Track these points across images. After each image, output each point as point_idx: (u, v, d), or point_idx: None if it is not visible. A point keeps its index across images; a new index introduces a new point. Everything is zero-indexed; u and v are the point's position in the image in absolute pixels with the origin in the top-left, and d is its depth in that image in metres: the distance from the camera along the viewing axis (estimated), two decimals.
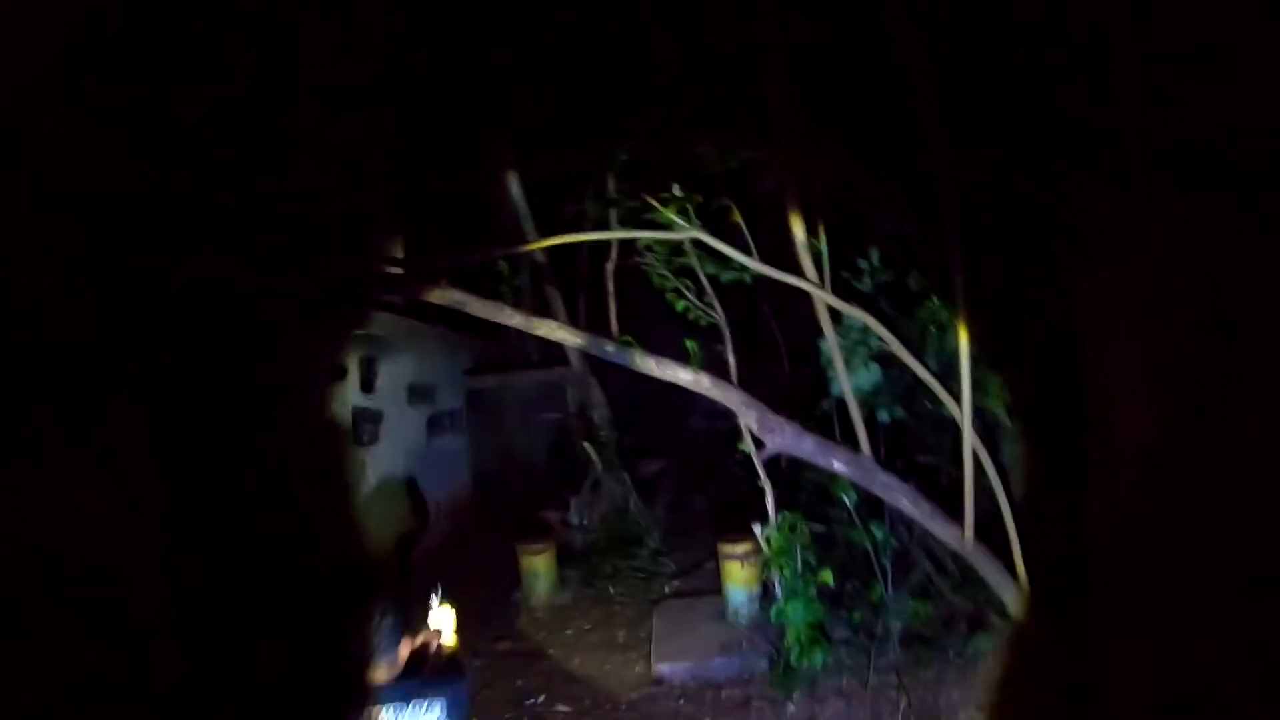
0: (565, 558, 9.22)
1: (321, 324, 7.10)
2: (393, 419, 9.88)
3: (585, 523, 10.27)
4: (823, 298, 5.48)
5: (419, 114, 6.73)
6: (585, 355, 10.50)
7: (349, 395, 8.84)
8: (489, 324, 5.98)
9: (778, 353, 10.61)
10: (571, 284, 10.58)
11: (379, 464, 9.43)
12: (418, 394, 10.95)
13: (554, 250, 10.41)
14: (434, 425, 11.51)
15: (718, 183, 6.23)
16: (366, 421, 9.19)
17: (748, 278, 6.31)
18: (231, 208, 4.97)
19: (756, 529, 6.77)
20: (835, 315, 5.71)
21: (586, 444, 10.26)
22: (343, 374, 8.68)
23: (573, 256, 10.41)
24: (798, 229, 5.34)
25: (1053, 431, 5.09)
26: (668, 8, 6.35)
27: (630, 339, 5.75)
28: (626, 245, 6.70)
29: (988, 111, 4.67)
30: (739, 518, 10.07)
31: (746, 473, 12.24)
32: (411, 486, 10.04)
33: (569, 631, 7.87)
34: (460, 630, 4.12)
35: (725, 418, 16.20)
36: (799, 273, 5.48)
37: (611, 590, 8.82)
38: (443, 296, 5.49)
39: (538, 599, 8.58)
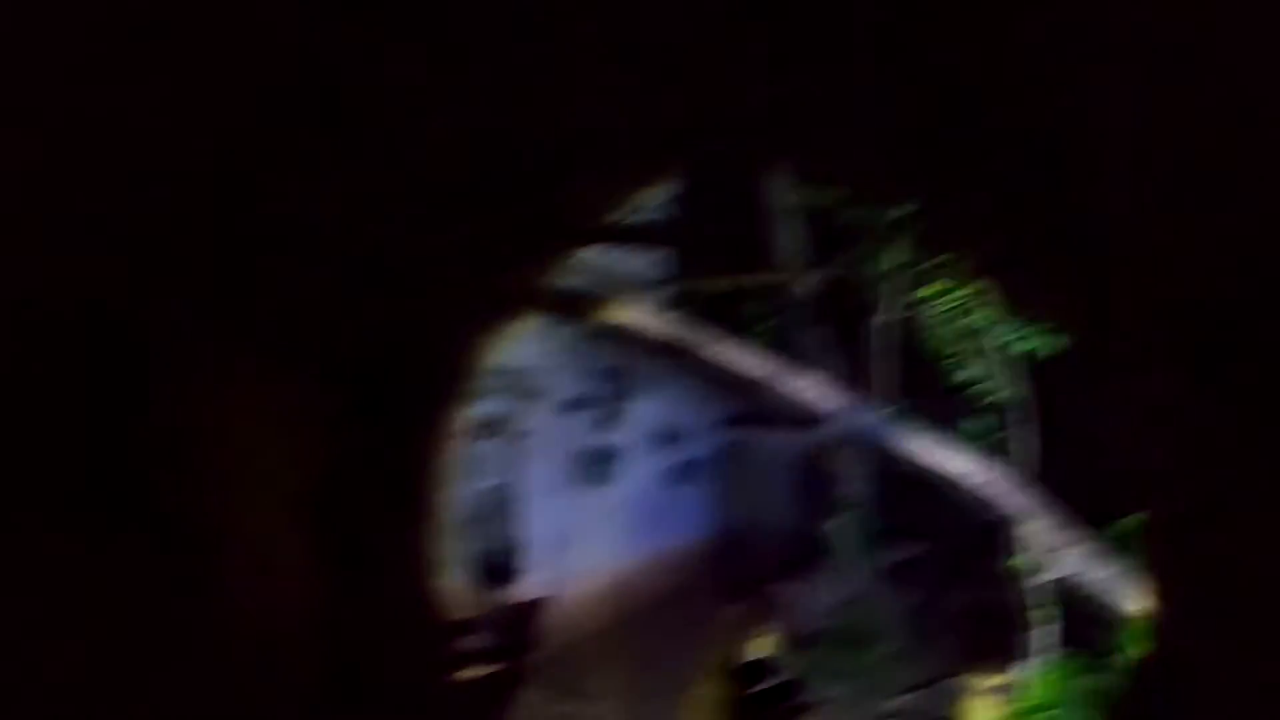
0: (787, 643, 8.16)
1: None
2: (629, 461, 9.31)
3: (820, 607, 9.16)
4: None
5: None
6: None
7: (584, 430, 8.35)
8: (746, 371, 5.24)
9: (1072, 444, 8.95)
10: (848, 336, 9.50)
11: (607, 509, 8.88)
12: (662, 438, 10.34)
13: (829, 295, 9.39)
14: (675, 473, 10.84)
15: None
16: (599, 461, 8.66)
17: (1044, 348, 5.16)
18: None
19: (1020, 669, 5.44)
20: None
21: (838, 522, 9.14)
22: (580, 406, 8.22)
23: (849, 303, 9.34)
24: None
25: None
26: None
27: (903, 409, 4.76)
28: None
29: None
30: (995, 637, 8.64)
31: (1013, 579, 10.69)
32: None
33: None
34: None
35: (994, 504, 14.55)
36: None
37: (832, 692, 7.67)
38: (670, 332, 4.77)
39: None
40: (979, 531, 14.13)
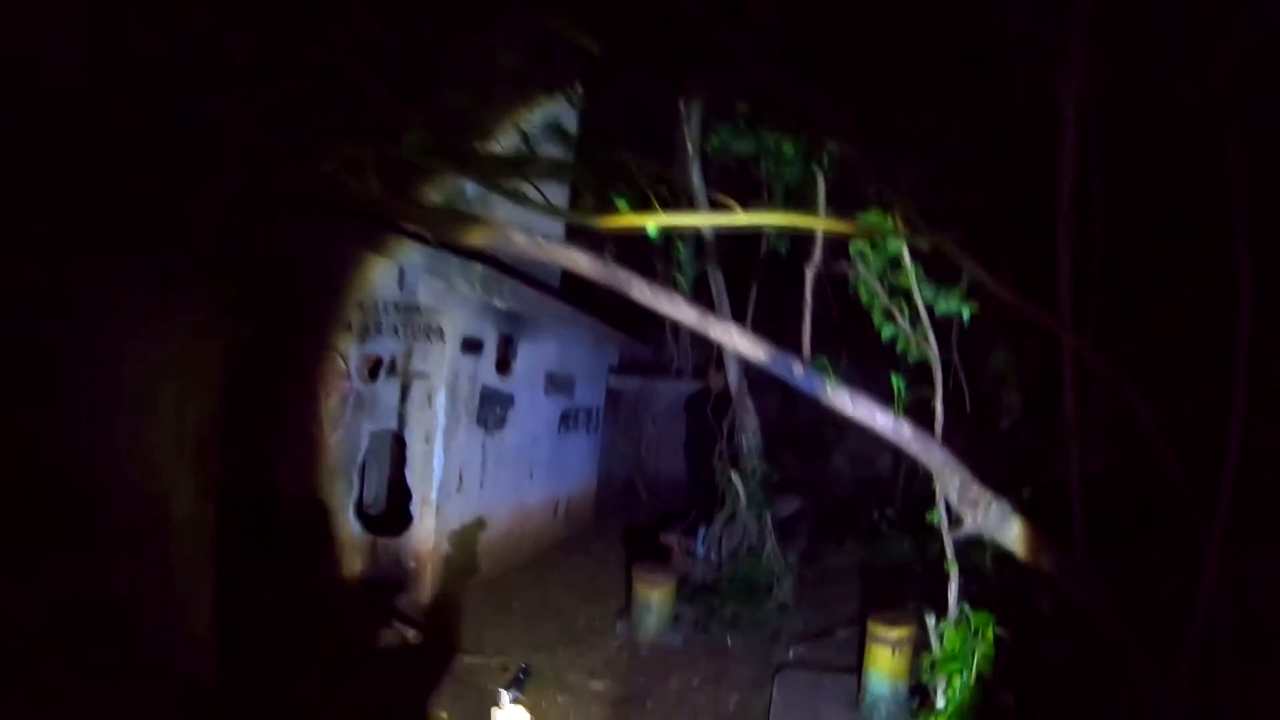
0: (682, 591, 8.14)
1: None
2: (524, 406, 9.08)
3: (712, 557, 9.18)
4: (1077, 349, 4.27)
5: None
6: (744, 373, 9.41)
7: (481, 374, 8.07)
8: (641, 320, 5.09)
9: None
10: (741, 289, 9.40)
11: (502, 452, 8.65)
12: (556, 384, 10.14)
13: (726, 248, 9.27)
14: (567, 420, 10.67)
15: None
16: (495, 404, 8.41)
17: (966, 311, 5.18)
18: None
19: (930, 620, 5.49)
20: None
21: (732, 472, 9.12)
22: (477, 348, 7.92)
23: (745, 255, 9.24)
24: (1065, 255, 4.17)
25: None
26: None
27: (826, 363, 4.67)
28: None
29: None
30: (883, 587, 8.85)
31: (890, 529, 11.00)
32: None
33: (673, 683, 6.80)
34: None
35: (871, 462, 15.03)
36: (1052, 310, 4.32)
37: (729, 641, 7.69)
38: (601, 271, 4.53)
39: (645, 634, 7.53)
40: (851, 481, 14.59)
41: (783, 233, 6.80)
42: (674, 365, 12.83)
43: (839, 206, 6.11)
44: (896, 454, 14.22)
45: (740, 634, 7.83)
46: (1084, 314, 4.32)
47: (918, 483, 12.03)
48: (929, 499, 5.28)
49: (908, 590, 8.35)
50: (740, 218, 5.10)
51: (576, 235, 4.88)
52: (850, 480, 14.75)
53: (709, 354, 10.89)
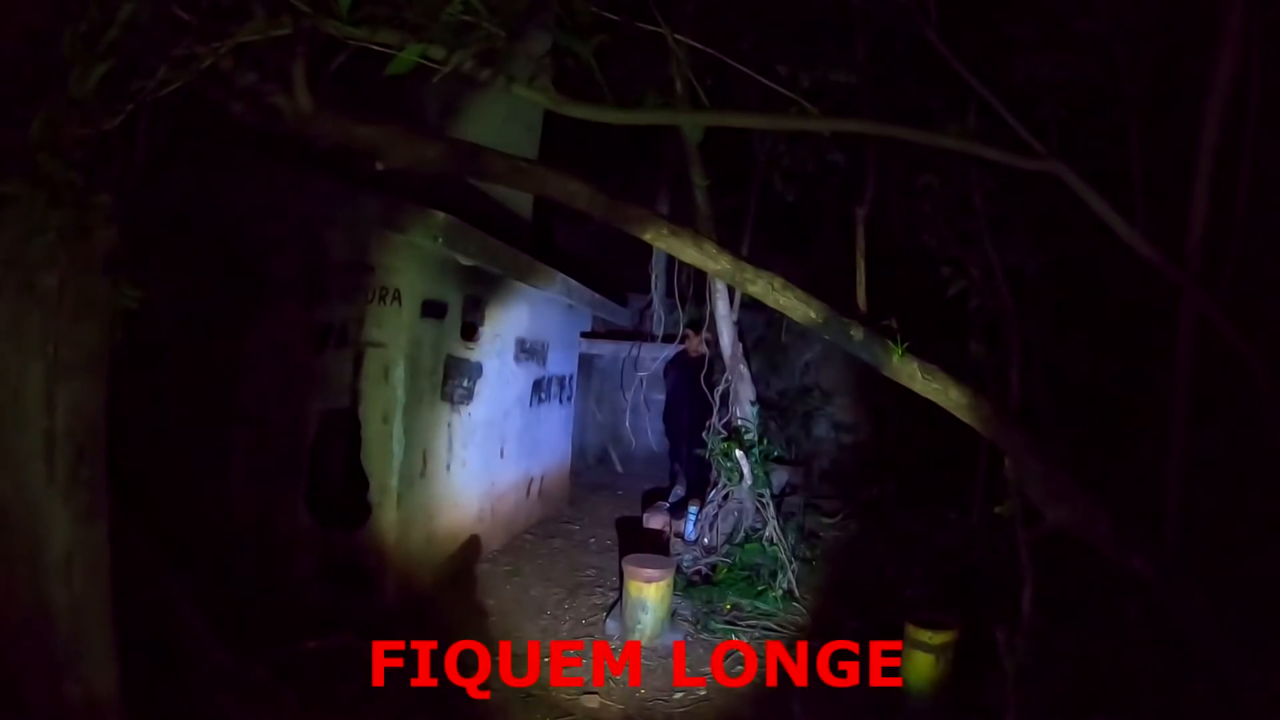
0: (675, 582, 7.20)
1: None
2: (493, 377, 8.06)
3: (705, 541, 8.30)
4: (1202, 308, 3.37)
5: None
6: (740, 337, 8.50)
7: (445, 341, 7.03)
8: (620, 279, 4.11)
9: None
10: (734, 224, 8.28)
11: (470, 429, 7.63)
12: (528, 351, 9.12)
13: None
14: (539, 390, 9.66)
15: None
16: (462, 376, 7.38)
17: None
18: None
19: (999, 635, 4.60)
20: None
21: (731, 445, 8.20)
22: (440, 312, 6.87)
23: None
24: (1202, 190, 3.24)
25: None
26: None
27: (895, 327, 3.72)
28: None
29: None
30: (890, 571, 8.08)
31: (897, 506, 10.15)
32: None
33: (679, 695, 5.91)
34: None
35: (855, 430, 14.22)
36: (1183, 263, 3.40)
37: (734, 640, 6.81)
38: (605, 205, 3.51)
39: (641, 637, 6.61)
40: (829, 448, 13.79)
41: (793, 170, 5.73)
42: (649, 328, 11.89)
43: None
44: (879, 422, 13.55)
45: (745, 633, 6.96)
46: (1216, 267, 3.43)
47: (913, 453, 11.28)
48: (932, 473, 4.43)
49: (920, 576, 7.60)
50: (756, 119, 4.06)
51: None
52: (833, 449, 13.97)
53: (680, 315, 10.04)
